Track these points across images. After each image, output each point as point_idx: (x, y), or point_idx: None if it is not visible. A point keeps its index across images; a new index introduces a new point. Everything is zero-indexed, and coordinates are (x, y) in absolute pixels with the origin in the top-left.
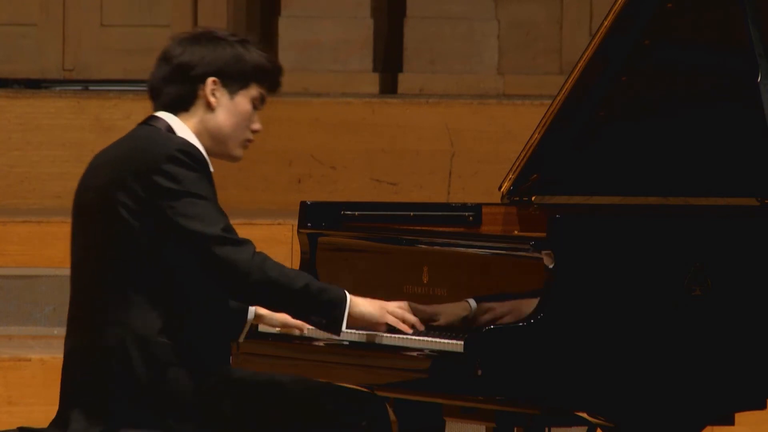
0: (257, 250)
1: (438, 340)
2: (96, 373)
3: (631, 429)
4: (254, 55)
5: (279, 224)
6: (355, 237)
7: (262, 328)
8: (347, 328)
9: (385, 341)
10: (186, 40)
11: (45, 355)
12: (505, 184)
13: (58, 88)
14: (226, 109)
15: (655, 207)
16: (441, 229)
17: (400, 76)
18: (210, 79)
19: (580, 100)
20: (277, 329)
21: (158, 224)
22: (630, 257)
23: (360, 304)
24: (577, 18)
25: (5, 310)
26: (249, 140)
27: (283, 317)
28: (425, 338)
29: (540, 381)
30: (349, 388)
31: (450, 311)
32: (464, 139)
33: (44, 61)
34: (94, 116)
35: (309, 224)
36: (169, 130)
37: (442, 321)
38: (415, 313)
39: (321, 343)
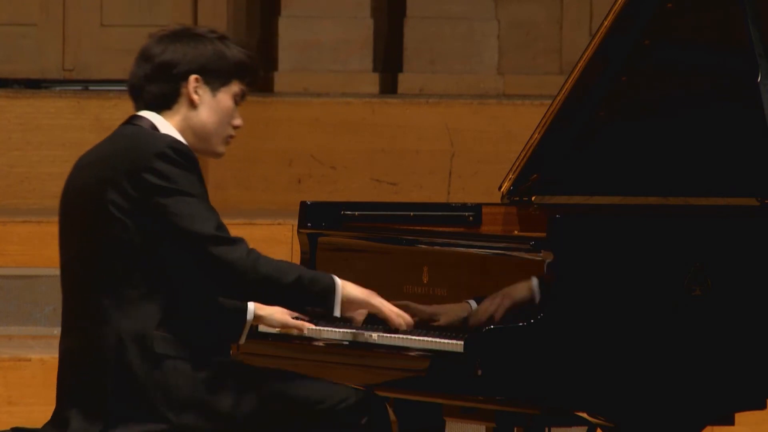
0: (250, 247)
1: (438, 340)
2: (94, 373)
3: (631, 429)
4: (234, 51)
5: (279, 224)
6: (355, 237)
7: (262, 328)
8: (341, 313)
9: (385, 341)
10: (166, 38)
11: (45, 355)
12: (505, 184)
13: (58, 88)
14: (208, 106)
15: (655, 207)
16: (441, 229)
17: (400, 76)
18: (192, 77)
19: (580, 100)
20: (277, 329)
21: (151, 222)
22: (630, 257)
23: (349, 288)
24: (577, 18)
25: (5, 310)
26: (231, 136)
27: (283, 318)
28: (425, 338)
29: (540, 381)
30: (349, 387)
31: (451, 312)
32: (464, 139)
33: (44, 61)
34: (94, 116)
35: (309, 224)
36: (154, 128)
37: (442, 321)
38: (415, 313)
39: (321, 343)
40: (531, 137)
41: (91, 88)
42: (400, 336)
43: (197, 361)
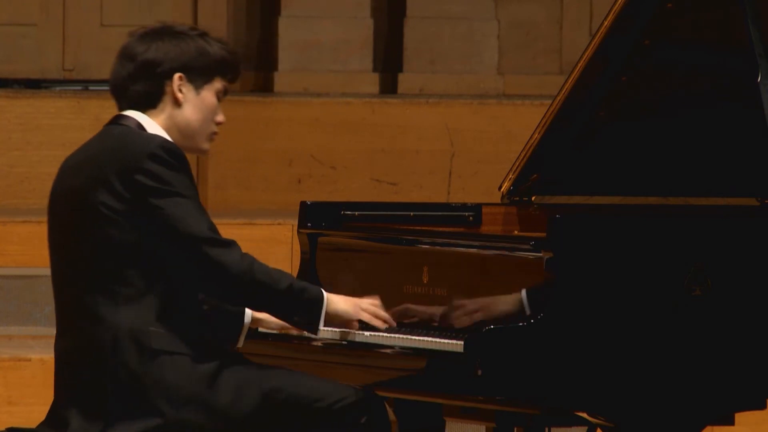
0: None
1: (438, 340)
2: (91, 372)
3: (631, 429)
4: (216, 48)
5: (279, 224)
6: (355, 237)
7: (262, 328)
8: (324, 326)
9: (385, 341)
10: (147, 36)
11: (45, 355)
12: (505, 184)
13: (58, 88)
14: (192, 104)
15: (655, 207)
16: (441, 229)
17: (400, 76)
18: (177, 75)
19: (580, 100)
20: (277, 329)
21: (144, 223)
22: (630, 257)
23: (335, 302)
24: (577, 18)
25: (5, 310)
26: (215, 133)
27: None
28: (425, 338)
29: (540, 381)
30: (349, 386)
31: (450, 312)
32: (464, 139)
33: (44, 61)
34: (94, 116)
35: (309, 224)
36: (141, 128)
37: (441, 322)
38: (413, 313)
39: (321, 343)
40: (531, 137)
41: (91, 88)
42: (401, 336)
43: (195, 357)
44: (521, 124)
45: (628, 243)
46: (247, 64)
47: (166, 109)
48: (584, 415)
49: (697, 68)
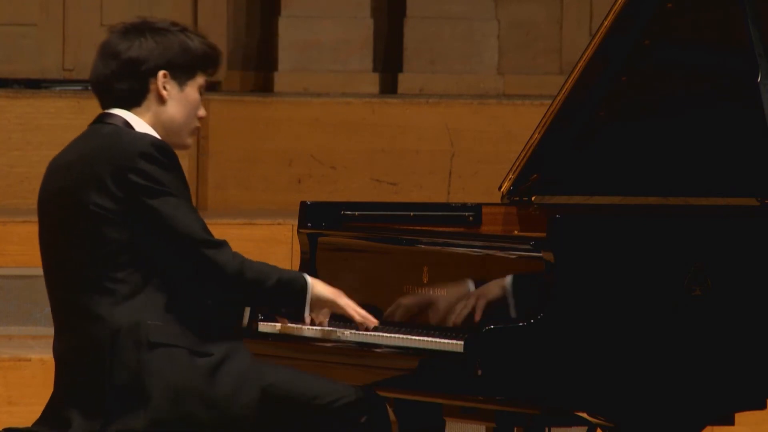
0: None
1: (438, 340)
2: (90, 371)
3: (631, 429)
4: (197, 43)
5: (279, 224)
6: (355, 237)
7: (262, 328)
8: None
9: (385, 341)
10: (128, 32)
11: (45, 355)
12: (505, 184)
13: (58, 88)
14: (177, 101)
15: (655, 207)
16: (441, 229)
17: (400, 76)
18: (161, 73)
19: (580, 100)
20: (278, 329)
21: (138, 223)
22: (630, 257)
23: (318, 288)
24: (577, 18)
25: (5, 310)
26: (198, 128)
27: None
28: (425, 338)
29: (540, 381)
30: (349, 385)
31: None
32: (464, 139)
33: (44, 61)
34: (94, 116)
35: (309, 224)
36: (128, 126)
37: (437, 320)
38: (412, 312)
39: (321, 343)
40: (531, 137)
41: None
42: (401, 336)
43: (194, 350)
44: (521, 124)
45: (628, 243)
46: (247, 64)
47: (151, 106)
48: (584, 415)
49: (697, 68)
